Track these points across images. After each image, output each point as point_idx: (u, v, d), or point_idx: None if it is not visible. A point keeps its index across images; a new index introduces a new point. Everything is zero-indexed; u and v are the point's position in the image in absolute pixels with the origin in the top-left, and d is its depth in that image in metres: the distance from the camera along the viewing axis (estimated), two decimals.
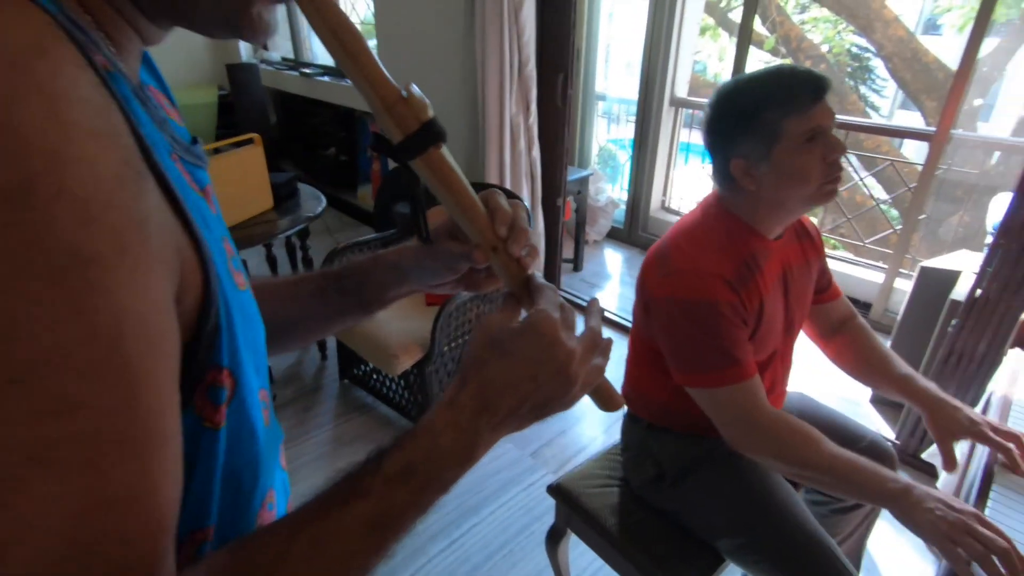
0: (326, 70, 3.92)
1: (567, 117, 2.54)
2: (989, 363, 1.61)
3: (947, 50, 4.85)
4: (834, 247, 3.35)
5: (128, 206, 0.27)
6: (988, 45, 5.39)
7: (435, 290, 0.55)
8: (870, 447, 1.15)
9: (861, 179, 3.45)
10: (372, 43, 3.55)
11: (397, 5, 2.79)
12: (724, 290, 0.92)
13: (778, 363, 1.09)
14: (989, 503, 0.84)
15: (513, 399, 0.40)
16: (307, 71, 3.89)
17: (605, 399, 0.50)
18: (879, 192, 3.98)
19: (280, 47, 4.42)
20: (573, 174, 2.86)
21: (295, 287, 0.58)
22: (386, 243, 2.28)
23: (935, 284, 1.87)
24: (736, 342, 0.92)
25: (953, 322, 1.66)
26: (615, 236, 3.69)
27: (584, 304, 2.79)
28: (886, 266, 2.59)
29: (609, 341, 0.46)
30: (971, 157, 3.22)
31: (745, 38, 2.59)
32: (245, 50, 4.25)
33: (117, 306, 0.26)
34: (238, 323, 0.37)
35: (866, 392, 2.19)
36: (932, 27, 6.82)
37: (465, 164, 2.76)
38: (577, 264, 3.25)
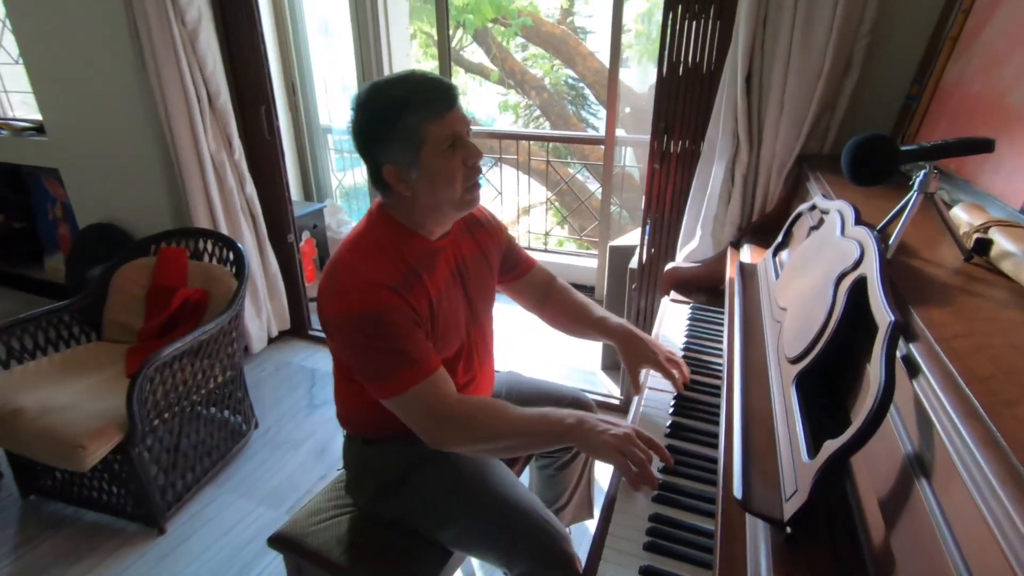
0: None
1: (280, 150, 2.42)
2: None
3: (633, 78, 6.05)
4: (579, 245, 3.80)
5: None
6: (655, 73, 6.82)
7: None
8: (573, 402, 1.29)
9: (566, 182, 3.98)
10: (25, 83, 2.98)
11: (45, 38, 2.36)
12: (389, 296, 0.91)
13: (473, 352, 1.12)
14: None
15: None
16: None
17: None
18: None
19: None
20: (304, 208, 2.74)
21: None
22: (68, 312, 1.88)
23: (620, 259, 2.23)
24: (412, 343, 0.92)
25: (633, 286, 1.98)
26: None
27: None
28: (596, 252, 3.03)
29: None
30: (636, 156, 3.97)
31: (444, 58, 2.79)
32: None
33: None
34: None
35: (597, 362, 2.50)
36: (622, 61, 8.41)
37: (170, 209, 2.44)
38: None
